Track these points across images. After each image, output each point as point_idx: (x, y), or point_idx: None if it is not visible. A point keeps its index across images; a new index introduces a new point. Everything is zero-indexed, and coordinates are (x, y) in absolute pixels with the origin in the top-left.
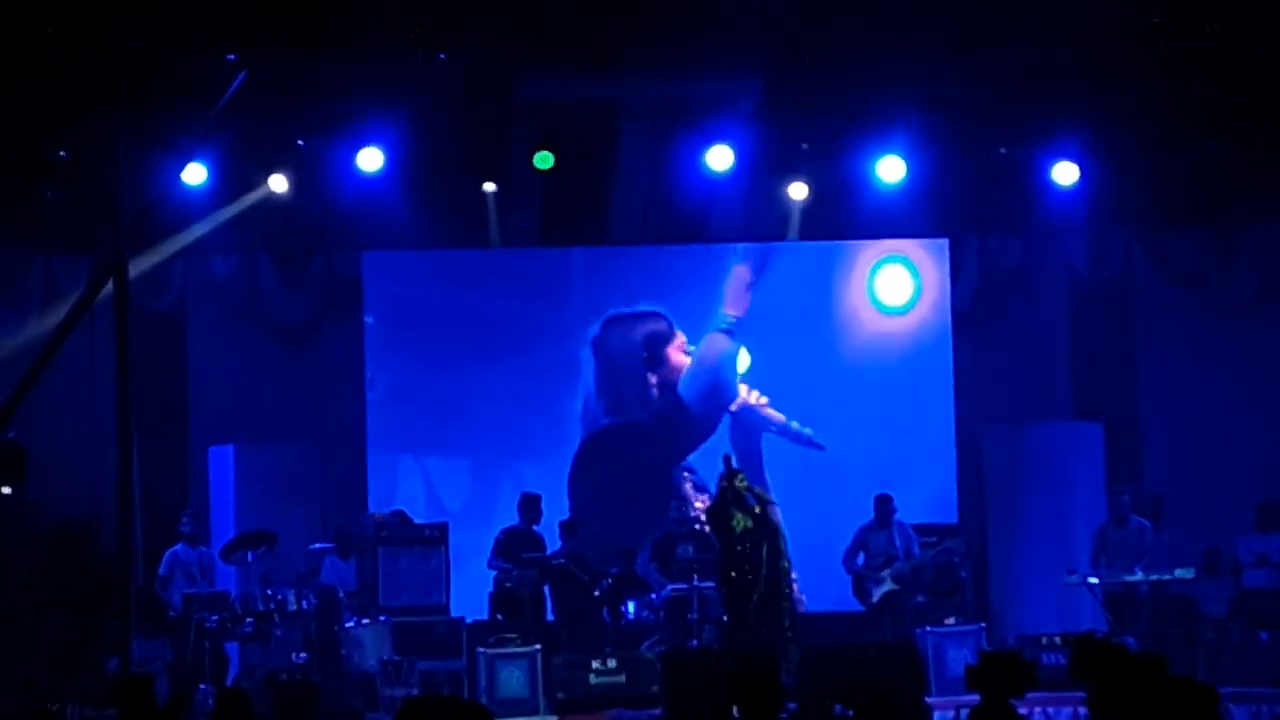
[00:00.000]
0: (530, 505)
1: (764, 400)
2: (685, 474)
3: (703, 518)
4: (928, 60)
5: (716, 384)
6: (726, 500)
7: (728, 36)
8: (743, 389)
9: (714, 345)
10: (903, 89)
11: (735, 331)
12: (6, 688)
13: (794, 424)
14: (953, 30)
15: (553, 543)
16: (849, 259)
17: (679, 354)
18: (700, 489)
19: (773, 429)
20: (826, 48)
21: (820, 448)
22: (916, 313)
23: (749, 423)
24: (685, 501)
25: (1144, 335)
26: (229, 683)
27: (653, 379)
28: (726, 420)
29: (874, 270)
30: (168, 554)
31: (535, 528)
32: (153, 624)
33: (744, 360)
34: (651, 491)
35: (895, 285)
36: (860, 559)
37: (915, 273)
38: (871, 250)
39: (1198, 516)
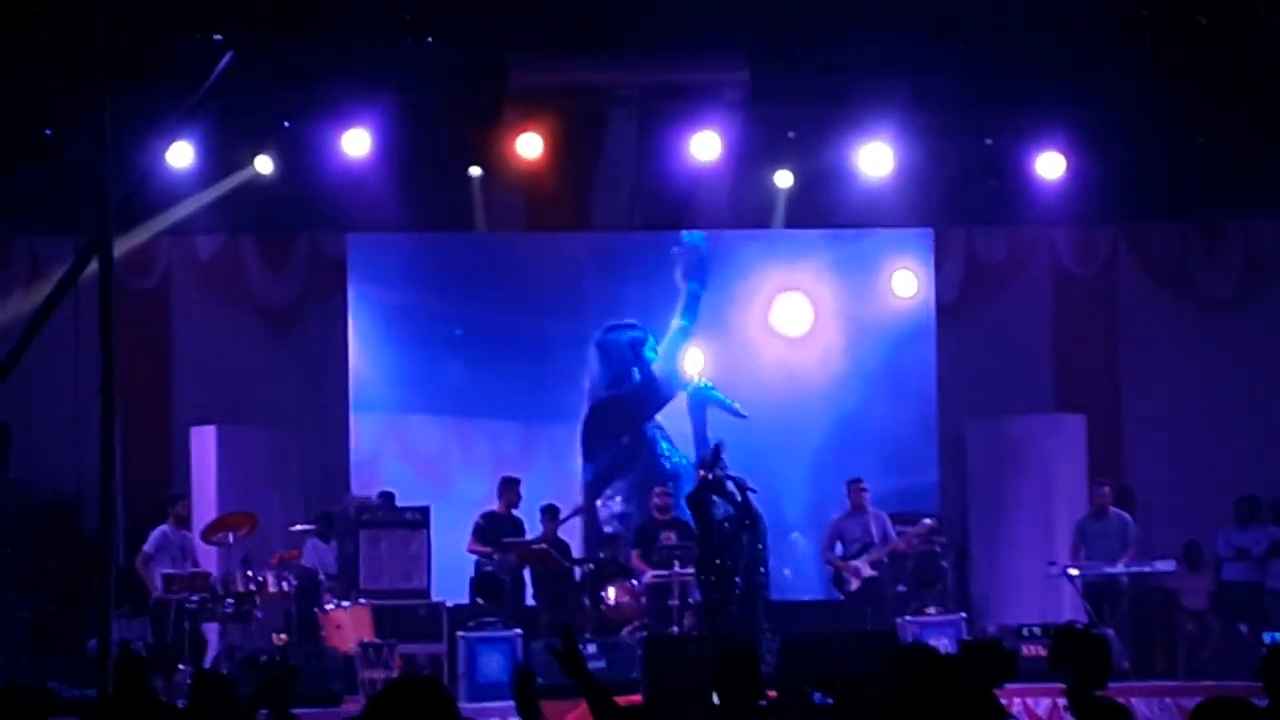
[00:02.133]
0: (510, 488)
1: (708, 380)
2: (663, 458)
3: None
4: (915, 51)
5: (672, 367)
6: (707, 487)
7: (716, 25)
8: (694, 372)
9: (673, 342)
10: (890, 80)
11: (686, 330)
12: None
13: (724, 398)
14: (940, 22)
15: (533, 526)
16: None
17: (650, 352)
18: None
19: (713, 403)
20: (814, 38)
21: (744, 417)
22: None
23: (697, 400)
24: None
25: (1127, 329)
26: (208, 664)
27: (635, 371)
28: (685, 400)
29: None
30: (155, 533)
31: (514, 511)
32: (134, 604)
33: (697, 357)
34: (635, 437)
35: (793, 314)
36: (838, 549)
37: (810, 303)
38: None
39: (1178, 509)
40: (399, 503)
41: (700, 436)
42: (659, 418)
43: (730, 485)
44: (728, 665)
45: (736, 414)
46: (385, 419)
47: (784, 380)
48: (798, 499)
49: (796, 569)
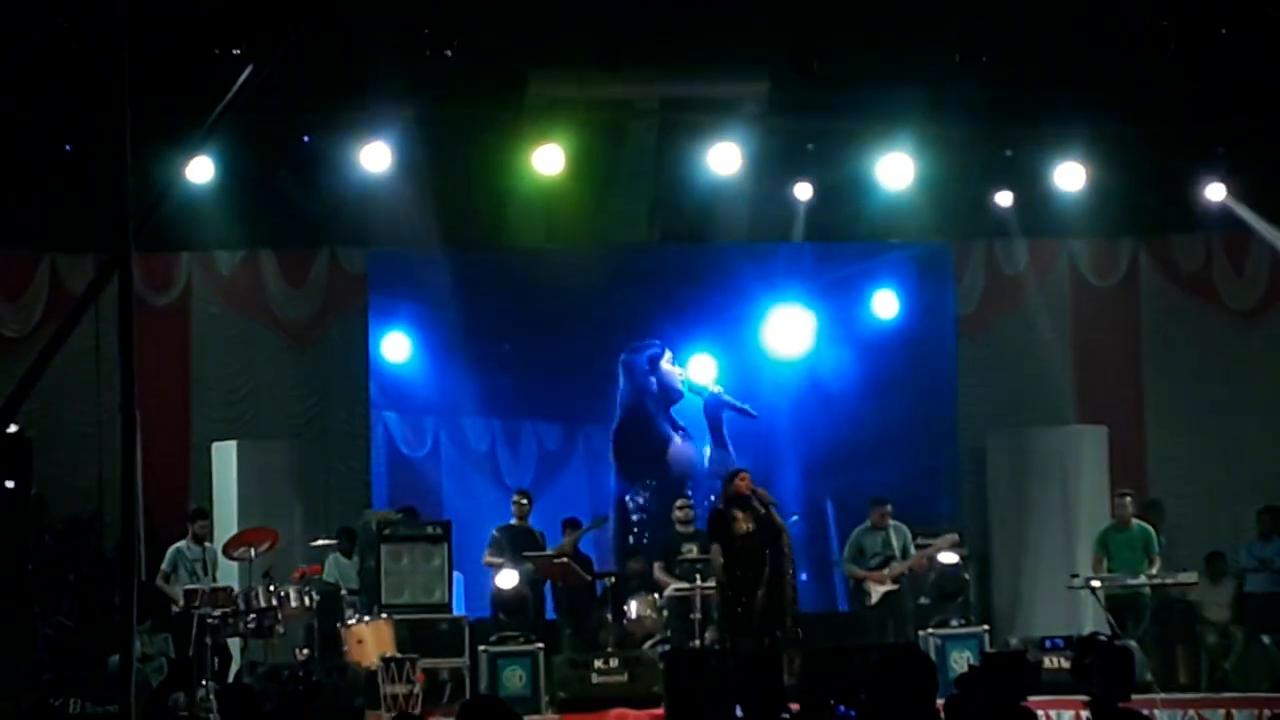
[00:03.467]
0: (523, 502)
1: (719, 389)
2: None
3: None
4: (935, 63)
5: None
6: (729, 501)
7: (736, 38)
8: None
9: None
10: (909, 92)
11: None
12: (10, 681)
13: (735, 401)
14: (960, 33)
15: (554, 539)
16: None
17: (666, 365)
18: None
19: (725, 405)
20: (833, 50)
21: (754, 417)
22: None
23: (713, 405)
24: (690, 501)
25: (1149, 340)
26: (230, 679)
27: (653, 379)
28: (699, 404)
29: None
30: (171, 550)
31: (529, 523)
32: (155, 620)
33: (707, 365)
34: (657, 439)
35: (811, 326)
36: (857, 562)
37: (828, 315)
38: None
39: (1201, 521)
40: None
41: (717, 441)
42: (676, 417)
43: (753, 500)
44: (750, 677)
45: (747, 414)
46: (405, 434)
47: (804, 392)
48: (818, 509)
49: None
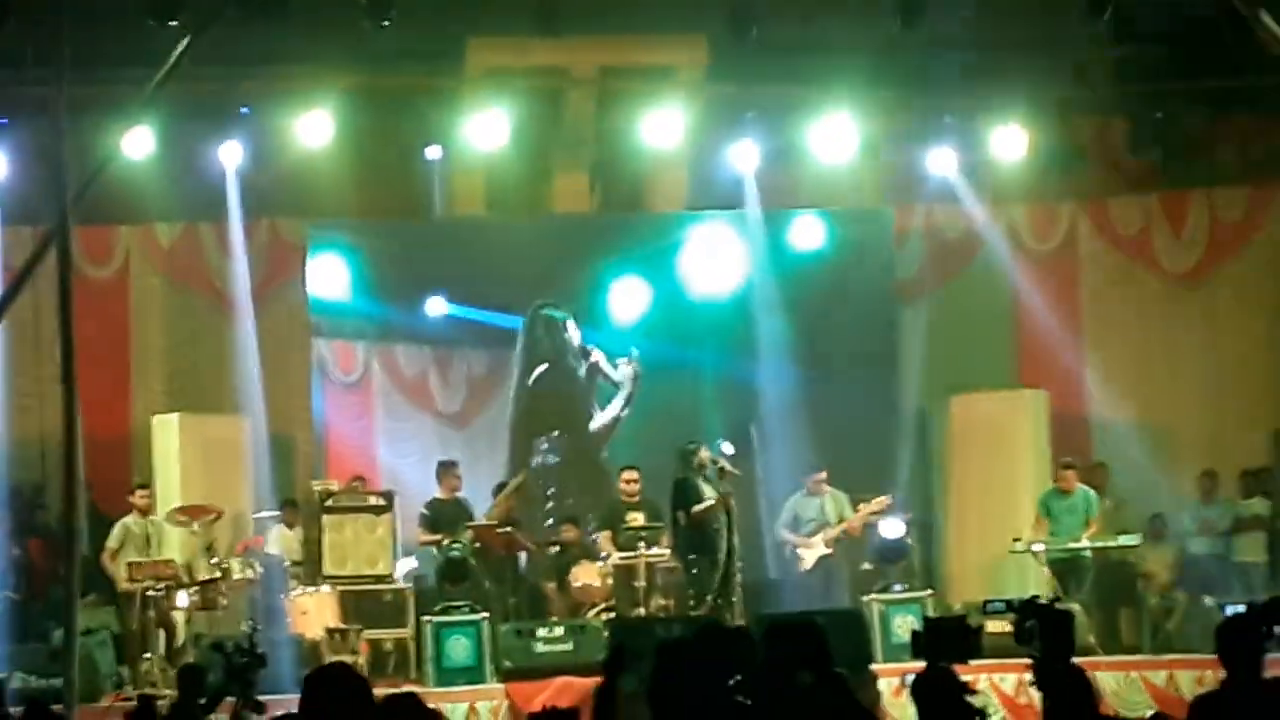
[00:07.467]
0: (449, 473)
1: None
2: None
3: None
4: (875, 28)
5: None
6: (692, 472)
7: (675, 5)
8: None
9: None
10: (849, 58)
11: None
12: None
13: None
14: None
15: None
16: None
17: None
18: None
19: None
20: (773, 17)
21: (616, 385)
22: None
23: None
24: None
25: (1089, 303)
26: (172, 652)
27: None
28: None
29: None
30: (118, 525)
31: (459, 495)
32: (99, 593)
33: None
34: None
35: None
36: (793, 528)
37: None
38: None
39: (1143, 483)
40: None
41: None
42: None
43: (713, 472)
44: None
45: (611, 382)
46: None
47: (738, 340)
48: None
49: None
